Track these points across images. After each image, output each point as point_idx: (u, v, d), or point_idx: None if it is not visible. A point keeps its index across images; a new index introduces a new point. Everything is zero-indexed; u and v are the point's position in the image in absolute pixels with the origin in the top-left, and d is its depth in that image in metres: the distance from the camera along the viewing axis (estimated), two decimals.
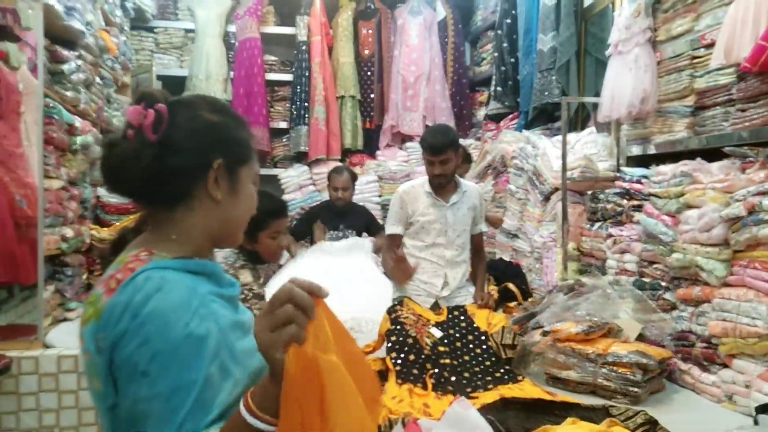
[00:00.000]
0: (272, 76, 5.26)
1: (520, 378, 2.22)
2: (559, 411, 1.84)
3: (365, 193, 4.88)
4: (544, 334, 2.24)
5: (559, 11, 3.63)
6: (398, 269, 2.75)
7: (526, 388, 2.10)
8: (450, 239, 2.90)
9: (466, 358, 2.36)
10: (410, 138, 5.24)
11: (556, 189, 3.24)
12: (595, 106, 3.11)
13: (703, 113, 2.42)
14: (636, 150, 2.89)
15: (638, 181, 2.56)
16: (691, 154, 2.37)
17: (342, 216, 4.07)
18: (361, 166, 5.15)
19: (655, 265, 2.37)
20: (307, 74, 5.11)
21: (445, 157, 2.75)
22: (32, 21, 2.52)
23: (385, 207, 4.85)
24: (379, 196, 5.04)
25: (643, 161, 2.79)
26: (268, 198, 2.16)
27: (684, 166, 2.25)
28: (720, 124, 2.31)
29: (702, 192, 2.08)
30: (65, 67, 2.89)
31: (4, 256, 2.39)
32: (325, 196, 4.69)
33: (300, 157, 5.23)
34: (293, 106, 5.16)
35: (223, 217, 1.00)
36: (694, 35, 2.45)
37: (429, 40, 5.28)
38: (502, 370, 2.28)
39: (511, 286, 3.06)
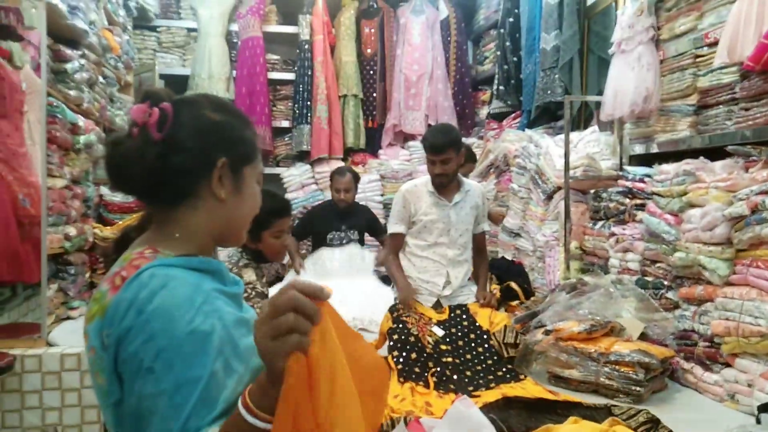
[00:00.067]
0: (274, 75, 5.26)
1: (522, 377, 2.22)
2: (561, 410, 1.84)
3: (367, 192, 4.88)
4: (547, 332, 2.24)
5: (562, 10, 3.63)
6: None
7: (529, 387, 2.10)
8: (452, 238, 2.90)
9: (468, 356, 2.37)
10: (412, 137, 5.24)
11: (559, 188, 3.23)
12: (598, 104, 3.10)
13: (706, 112, 2.42)
14: (639, 149, 2.89)
15: (641, 180, 2.55)
16: (694, 153, 2.37)
17: (344, 216, 4.07)
18: (364, 165, 5.15)
19: (658, 264, 2.37)
20: (309, 73, 5.11)
21: (445, 156, 2.75)
22: (35, 20, 2.52)
23: (387, 206, 4.85)
24: (382, 195, 5.04)
25: (646, 160, 2.79)
26: (271, 197, 2.16)
27: (687, 165, 2.25)
28: (723, 123, 2.31)
29: (705, 191, 2.07)
30: (68, 66, 2.89)
31: (8, 255, 2.40)
32: (328, 195, 4.69)
33: (302, 156, 5.23)
34: (295, 105, 5.16)
35: (227, 216, 1.00)
36: (697, 34, 2.44)
37: (431, 38, 5.28)
38: (504, 369, 2.28)
39: (513, 285, 3.06)
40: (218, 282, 0.95)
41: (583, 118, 3.65)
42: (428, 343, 2.35)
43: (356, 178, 4.12)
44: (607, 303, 2.32)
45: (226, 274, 0.99)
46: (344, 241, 4.05)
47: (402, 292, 2.73)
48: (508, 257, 3.72)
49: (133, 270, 0.87)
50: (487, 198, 3.46)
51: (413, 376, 2.18)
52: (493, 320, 2.55)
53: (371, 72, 5.29)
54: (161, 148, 0.93)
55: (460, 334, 2.47)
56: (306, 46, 5.12)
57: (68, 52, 2.90)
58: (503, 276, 3.19)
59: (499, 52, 4.58)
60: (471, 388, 2.12)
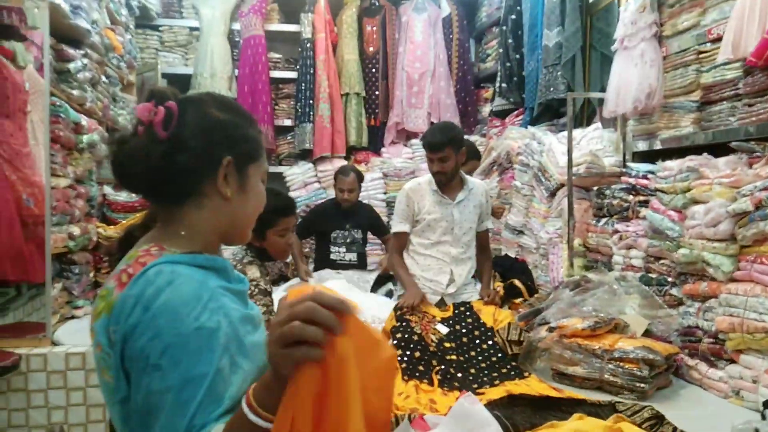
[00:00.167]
0: (277, 74, 5.26)
1: (526, 374, 2.22)
2: (565, 407, 1.84)
3: (370, 190, 4.87)
4: (551, 330, 2.24)
5: (564, 6, 3.62)
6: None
7: (533, 384, 2.10)
8: (456, 237, 2.90)
9: (473, 354, 2.37)
10: (415, 135, 5.23)
11: (562, 185, 3.23)
12: (601, 101, 3.10)
13: (709, 108, 2.41)
14: (642, 145, 2.88)
15: (644, 177, 2.55)
16: (697, 150, 2.36)
17: (348, 215, 4.07)
18: (366, 163, 5.15)
19: (662, 261, 2.37)
20: (311, 72, 5.11)
21: (443, 154, 2.76)
22: (38, 20, 2.53)
23: (390, 204, 4.85)
24: (384, 193, 5.04)
25: (649, 157, 2.78)
26: (275, 195, 2.16)
27: (690, 161, 2.24)
28: (727, 119, 2.30)
29: (708, 187, 2.07)
30: (71, 66, 2.90)
31: (13, 255, 2.41)
32: (330, 193, 4.69)
33: (305, 155, 5.23)
34: (298, 104, 5.16)
35: (232, 214, 1.00)
36: (700, 30, 2.44)
37: (434, 36, 5.27)
38: (508, 366, 2.28)
39: (516, 282, 3.06)
40: (223, 279, 0.96)
41: (586, 114, 3.65)
42: (432, 341, 2.36)
43: (360, 177, 4.12)
44: (611, 300, 2.32)
45: (231, 272, 0.99)
46: (348, 240, 4.05)
47: (409, 293, 2.71)
48: (512, 255, 3.72)
49: (140, 267, 0.88)
50: (491, 196, 3.46)
51: (417, 373, 2.18)
52: (497, 318, 2.55)
53: (373, 70, 5.29)
54: (167, 146, 0.93)
55: (464, 331, 2.47)
56: (308, 45, 5.12)
57: (71, 51, 2.91)
58: (507, 273, 3.19)
59: (501, 50, 4.57)
60: (475, 386, 2.12)
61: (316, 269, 4.04)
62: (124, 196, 3.57)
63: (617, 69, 2.86)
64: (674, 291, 2.26)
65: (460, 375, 2.21)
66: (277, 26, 5.28)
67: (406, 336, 2.32)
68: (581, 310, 2.29)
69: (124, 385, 0.87)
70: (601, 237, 2.83)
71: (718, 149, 2.25)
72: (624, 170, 2.78)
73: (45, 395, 2.38)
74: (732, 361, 1.94)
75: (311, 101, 5.10)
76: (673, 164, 2.33)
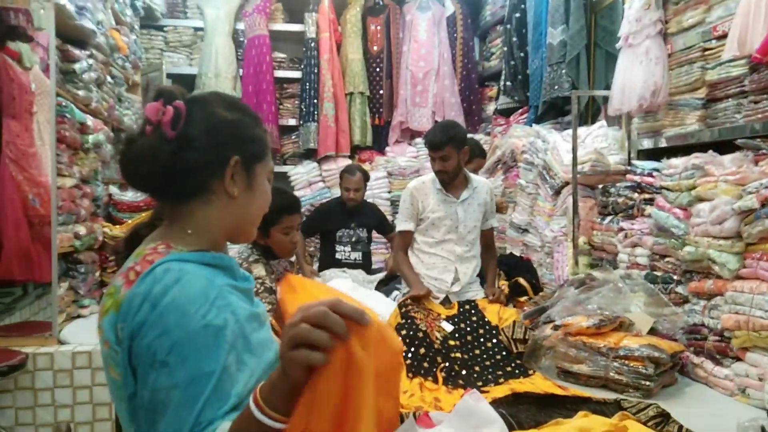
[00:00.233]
0: (281, 74, 5.26)
1: (531, 372, 2.22)
2: (570, 405, 1.84)
3: (375, 189, 4.88)
4: (555, 328, 2.24)
5: (569, 4, 3.61)
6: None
7: (538, 382, 2.10)
8: (461, 235, 2.90)
9: (477, 352, 2.37)
10: (419, 134, 5.23)
11: (567, 183, 3.22)
12: (606, 99, 3.09)
13: (714, 105, 2.40)
14: (647, 143, 2.87)
15: (649, 175, 2.54)
16: (702, 147, 2.36)
17: (353, 214, 4.08)
18: (371, 162, 5.15)
19: (667, 259, 2.36)
20: (315, 71, 5.11)
21: (444, 153, 2.76)
22: (44, 21, 2.54)
23: (394, 203, 4.85)
24: (389, 192, 5.04)
25: (655, 154, 2.77)
26: (280, 194, 2.18)
27: (696, 158, 2.24)
28: (732, 116, 2.29)
29: (714, 185, 2.06)
30: (77, 67, 2.91)
31: (19, 255, 2.42)
32: (335, 192, 4.70)
33: (309, 154, 5.24)
34: (302, 103, 5.16)
35: (239, 213, 1.01)
36: (705, 27, 2.43)
37: (438, 35, 5.27)
38: (513, 365, 2.28)
39: (521, 280, 3.06)
40: (230, 277, 0.97)
41: (591, 113, 3.64)
42: (437, 338, 2.36)
43: (366, 177, 4.12)
44: (616, 298, 2.32)
45: (237, 270, 1.00)
46: (353, 239, 4.06)
47: (415, 288, 2.72)
48: (517, 253, 3.71)
49: (147, 265, 0.89)
50: (495, 194, 3.45)
51: (422, 371, 2.18)
52: (501, 316, 2.55)
53: (378, 69, 5.29)
54: (175, 146, 0.94)
55: (469, 329, 2.47)
56: (312, 44, 5.13)
57: (76, 52, 2.92)
58: (512, 272, 3.18)
59: (505, 48, 4.57)
60: (480, 384, 2.12)
61: (321, 268, 4.05)
62: (129, 196, 3.59)
63: (622, 67, 2.85)
64: (680, 289, 2.25)
65: (464, 373, 2.21)
66: (281, 26, 5.29)
67: (411, 333, 2.32)
68: (586, 308, 2.28)
69: (131, 382, 0.87)
70: (606, 235, 2.83)
71: (724, 147, 2.25)
72: (629, 168, 2.77)
73: (52, 394, 2.40)
74: (738, 359, 1.94)
75: (315, 101, 5.11)
76: (679, 162, 2.32)
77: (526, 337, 2.37)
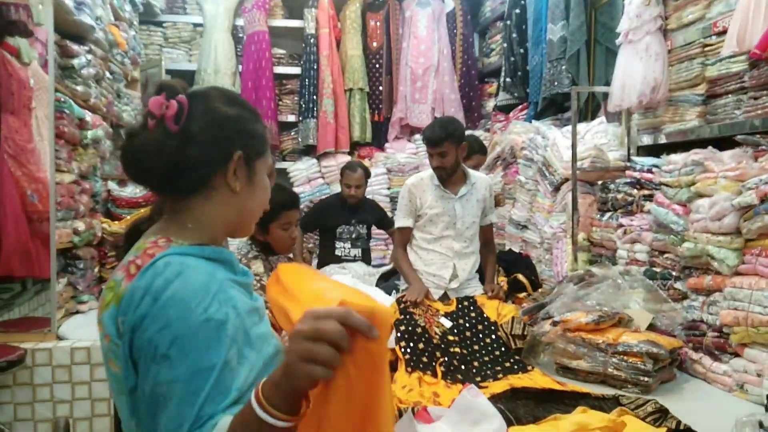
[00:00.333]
0: (280, 70, 5.25)
1: (529, 368, 2.22)
2: (569, 400, 1.84)
3: (374, 185, 4.87)
4: (554, 324, 2.24)
5: (569, 1, 3.60)
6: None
7: (536, 378, 2.10)
8: (459, 231, 2.89)
9: (476, 347, 2.37)
10: (419, 130, 5.21)
11: (566, 179, 3.22)
12: (606, 95, 3.09)
13: (714, 101, 2.40)
14: (647, 139, 2.87)
15: (649, 171, 2.54)
16: (702, 143, 2.36)
17: (354, 210, 4.07)
18: (370, 158, 5.15)
19: (666, 255, 2.36)
20: (315, 67, 5.10)
21: (442, 149, 2.75)
22: (42, 16, 2.53)
23: (393, 199, 4.85)
24: (388, 188, 5.04)
25: (654, 150, 2.77)
26: (279, 189, 2.18)
27: (695, 154, 2.24)
28: (732, 113, 2.29)
29: (713, 181, 2.06)
30: (75, 62, 2.91)
31: (18, 251, 2.42)
32: (334, 189, 4.69)
33: (308, 151, 5.23)
34: (301, 100, 5.16)
35: (239, 207, 1.01)
36: (705, 23, 2.43)
37: (437, 31, 5.26)
38: (511, 360, 2.28)
39: (520, 277, 3.06)
40: (230, 271, 0.97)
41: (591, 109, 3.63)
42: (435, 333, 2.36)
43: (367, 174, 4.12)
44: (615, 294, 2.32)
45: (236, 265, 1.00)
46: (353, 236, 4.05)
47: (413, 288, 2.71)
48: (516, 249, 3.71)
49: (148, 258, 0.89)
50: (494, 190, 3.45)
51: (421, 365, 2.18)
52: (500, 312, 2.55)
53: (377, 65, 5.28)
54: (179, 140, 0.94)
55: (467, 325, 2.47)
56: (311, 40, 5.11)
57: (75, 47, 2.92)
58: (511, 268, 3.18)
59: (505, 44, 4.56)
60: (478, 379, 2.12)
61: (320, 265, 4.05)
62: (128, 192, 3.58)
63: (622, 63, 2.85)
64: (678, 285, 2.25)
65: (463, 368, 2.21)
66: (280, 22, 5.28)
67: (410, 328, 2.32)
68: (585, 304, 2.28)
69: (132, 376, 0.87)
70: (606, 231, 2.83)
71: (724, 143, 2.24)
72: (628, 164, 2.77)
73: (50, 389, 2.40)
74: (736, 355, 1.94)
75: (315, 97, 5.10)
76: (678, 158, 2.32)
77: (525, 333, 2.37)
